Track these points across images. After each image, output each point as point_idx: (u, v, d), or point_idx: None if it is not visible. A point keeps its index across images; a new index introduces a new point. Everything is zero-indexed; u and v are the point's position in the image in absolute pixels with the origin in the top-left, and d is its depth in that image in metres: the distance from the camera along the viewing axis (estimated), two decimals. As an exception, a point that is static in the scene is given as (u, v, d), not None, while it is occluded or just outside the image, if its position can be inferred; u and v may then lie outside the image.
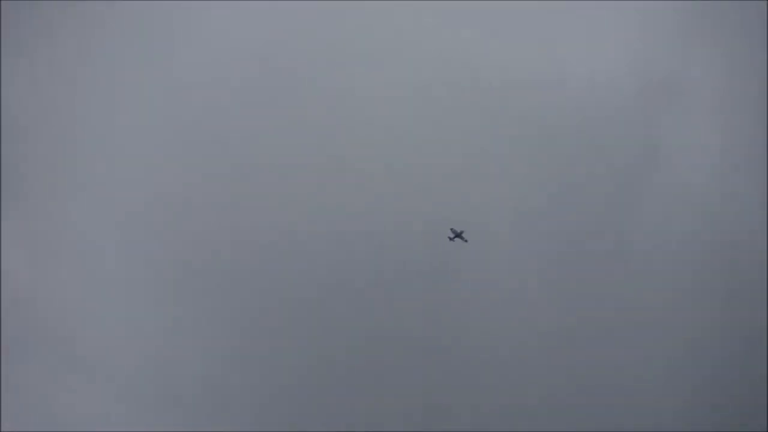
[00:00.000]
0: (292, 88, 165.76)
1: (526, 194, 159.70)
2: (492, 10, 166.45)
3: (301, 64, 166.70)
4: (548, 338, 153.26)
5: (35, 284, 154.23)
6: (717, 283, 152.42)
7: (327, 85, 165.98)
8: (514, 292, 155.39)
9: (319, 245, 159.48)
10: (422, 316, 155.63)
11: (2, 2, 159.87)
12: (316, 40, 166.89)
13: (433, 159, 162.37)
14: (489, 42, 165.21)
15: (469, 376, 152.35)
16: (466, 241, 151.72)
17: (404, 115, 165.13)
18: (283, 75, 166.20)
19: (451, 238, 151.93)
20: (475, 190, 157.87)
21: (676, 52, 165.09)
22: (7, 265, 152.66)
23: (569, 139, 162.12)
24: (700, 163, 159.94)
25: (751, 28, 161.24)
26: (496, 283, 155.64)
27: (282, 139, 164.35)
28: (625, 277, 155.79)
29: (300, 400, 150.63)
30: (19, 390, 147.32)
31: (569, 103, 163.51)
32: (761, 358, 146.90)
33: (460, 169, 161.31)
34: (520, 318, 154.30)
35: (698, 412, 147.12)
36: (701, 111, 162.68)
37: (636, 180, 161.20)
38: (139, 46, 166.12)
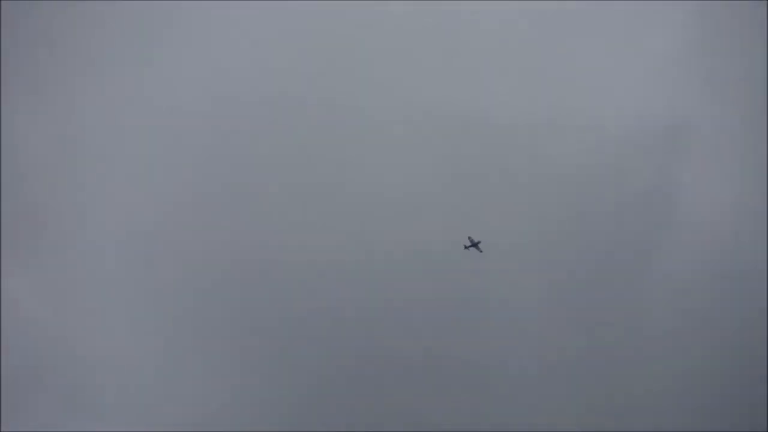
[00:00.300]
0: (296, 96, 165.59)
1: (537, 231, 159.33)
2: (504, 54, 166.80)
3: (305, 71, 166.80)
4: (556, 365, 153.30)
5: (36, 306, 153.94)
6: (725, 318, 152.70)
7: (335, 115, 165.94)
8: (524, 320, 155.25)
9: (326, 256, 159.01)
10: (429, 341, 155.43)
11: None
12: (321, 56, 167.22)
13: (445, 190, 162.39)
14: (502, 85, 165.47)
15: (476, 398, 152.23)
16: (480, 251, 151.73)
17: (409, 146, 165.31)
18: (285, 85, 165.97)
19: (466, 247, 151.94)
20: (486, 221, 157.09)
21: (690, 98, 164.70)
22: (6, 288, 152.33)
23: (581, 181, 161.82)
24: (714, 208, 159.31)
25: (764, 74, 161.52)
26: (506, 315, 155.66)
27: (288, 147, 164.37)
28: (635, 311, 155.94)
29: (302, 411, 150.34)
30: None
31: (583, 148, 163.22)
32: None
33: (472, 196, 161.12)
34: (529, 346, 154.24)
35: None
36: (715, 157, 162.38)
37: (648, 223, 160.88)
38: (138, 55, 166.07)
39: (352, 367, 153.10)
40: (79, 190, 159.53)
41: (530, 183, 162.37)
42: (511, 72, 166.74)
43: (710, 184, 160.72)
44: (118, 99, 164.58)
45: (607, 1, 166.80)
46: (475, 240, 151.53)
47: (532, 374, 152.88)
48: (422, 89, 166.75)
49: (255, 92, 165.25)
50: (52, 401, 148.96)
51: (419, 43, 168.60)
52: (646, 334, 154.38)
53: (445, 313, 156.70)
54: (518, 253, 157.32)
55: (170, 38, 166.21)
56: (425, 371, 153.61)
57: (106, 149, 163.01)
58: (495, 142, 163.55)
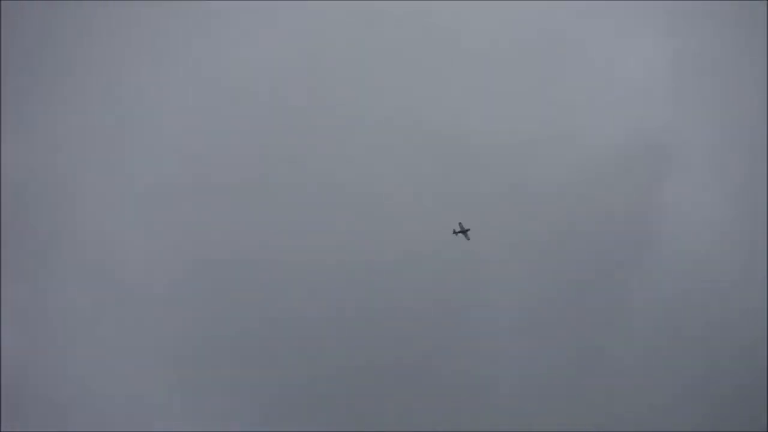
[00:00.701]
0: (296, 97, 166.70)
1: (523, 252, 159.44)
2: (490, 72, 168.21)
3: (306, 73, 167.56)
4: (547, 391, 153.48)
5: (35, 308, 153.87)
6: (715, 340, 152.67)
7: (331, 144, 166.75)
8: (511, 345, 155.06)
9: (325, 258, 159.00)
10: (428, 342, 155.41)
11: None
12: (322, 59, 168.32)
13: (436, 200, 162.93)
14: (487, 105, 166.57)
15: (474, 398, 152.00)
16: (468, 239, 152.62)
17: (399, 159, 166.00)
18: (285, 86, 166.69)
19: (455, 232, 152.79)
20: (472, 232, 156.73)
21: (675, 116, 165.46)
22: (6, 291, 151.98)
23: (567, 200, 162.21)
24: (700, 226, 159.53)
25: (750, 91, 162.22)
26: (496, 323, 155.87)
27: (288, 148, 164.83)
28: (624, 334, 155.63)
29: (302, 412, 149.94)
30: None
31: (567, 164, 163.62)
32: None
33: (459, 208, 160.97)
34: (518, 367, 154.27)
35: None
36: (700, 175, 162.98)
37: (635, 243, 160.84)
38: (137, 57, 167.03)
39: (351, 368, 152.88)
40: (80, 182, 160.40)
41: (518, 200, 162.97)
42: (496, 90, 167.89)
43: (694, 201, 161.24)
44: (116, 100, 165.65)
45: (590, 19, 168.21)
46: (465, 227, 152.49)
47: (524, 377, 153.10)
48: (415, 103, 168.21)
49: (254, 93, 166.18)
50: (51, 405, 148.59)
51: (416, 55, 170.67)
52: (634, 344, 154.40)
53: (444, 315, 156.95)
54: (505, 264, 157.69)
55: (170, 40, 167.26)
56: (424, 372, 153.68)
57: (104, 150, 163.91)
58: (478, 157, 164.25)
